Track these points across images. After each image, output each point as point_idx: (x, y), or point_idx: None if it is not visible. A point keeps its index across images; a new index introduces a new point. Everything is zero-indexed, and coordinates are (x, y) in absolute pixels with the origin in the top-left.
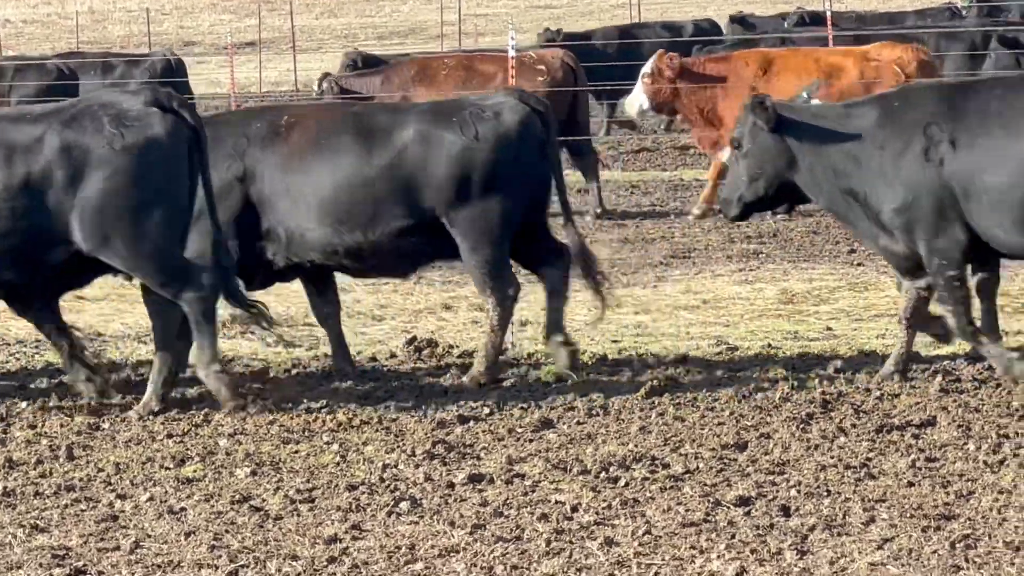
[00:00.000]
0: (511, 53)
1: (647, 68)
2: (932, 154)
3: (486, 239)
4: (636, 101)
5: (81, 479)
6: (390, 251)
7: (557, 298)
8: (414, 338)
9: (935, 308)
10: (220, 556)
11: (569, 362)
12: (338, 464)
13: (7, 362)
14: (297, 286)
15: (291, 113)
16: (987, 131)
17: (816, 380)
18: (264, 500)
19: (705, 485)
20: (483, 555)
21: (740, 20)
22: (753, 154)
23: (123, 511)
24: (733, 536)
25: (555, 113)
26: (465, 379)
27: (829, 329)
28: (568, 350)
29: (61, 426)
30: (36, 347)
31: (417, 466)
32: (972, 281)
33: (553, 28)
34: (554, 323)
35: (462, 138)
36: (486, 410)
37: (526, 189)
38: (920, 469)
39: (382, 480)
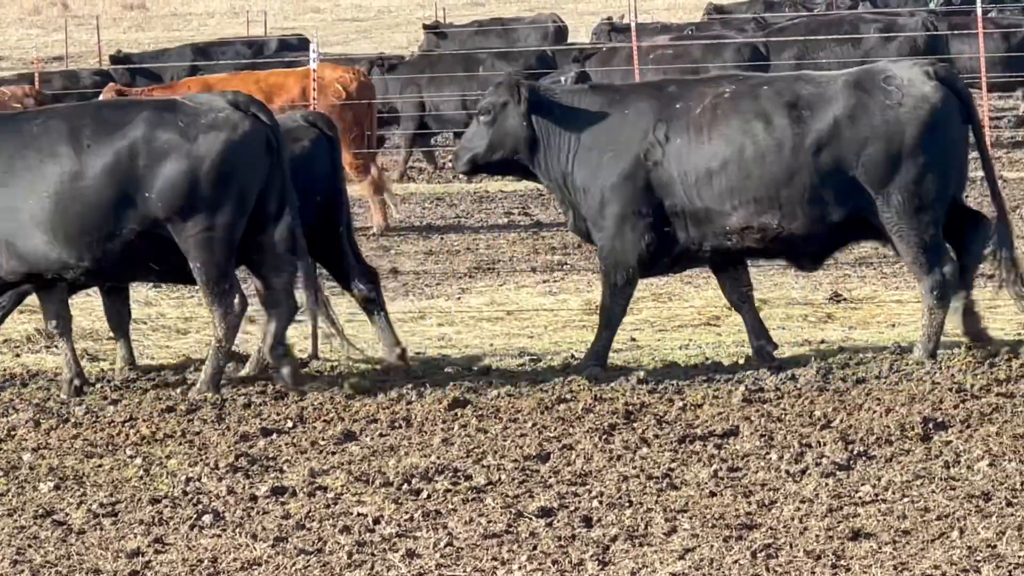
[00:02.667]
0: (312, 67)
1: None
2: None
3: None
4: None
5: None
6: None
7: None
8: None
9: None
10: (23, 571)
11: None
12: (141, 478)
13: None
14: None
15: None
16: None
17: (619, 391)
18: (67, 514)
19: (507, 496)
20: (285, 568)
21: (434, 30)
22: None
23: None
24: (535, 547)
25: None
26: None
27: (633, 340)
28: None
29: None
30: None
31: (220, 479)
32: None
33: (124, 51)
34: None
35: None
36: (289, 423)
37: None
38: (722, 479)
39: (185, 493)
